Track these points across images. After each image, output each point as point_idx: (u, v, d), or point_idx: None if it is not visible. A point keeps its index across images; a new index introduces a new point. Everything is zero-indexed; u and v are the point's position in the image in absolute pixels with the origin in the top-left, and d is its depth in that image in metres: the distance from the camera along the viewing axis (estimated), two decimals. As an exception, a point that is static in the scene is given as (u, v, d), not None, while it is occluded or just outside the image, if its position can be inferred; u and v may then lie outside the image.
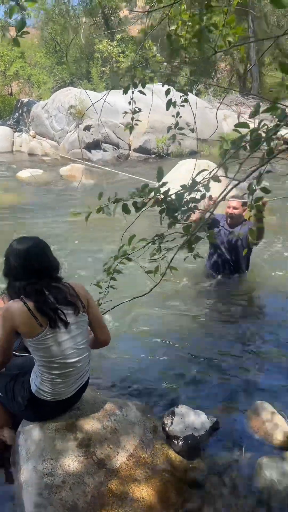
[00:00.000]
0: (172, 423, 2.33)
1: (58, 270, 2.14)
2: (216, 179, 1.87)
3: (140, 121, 2.78)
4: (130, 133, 3.05)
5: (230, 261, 4.05)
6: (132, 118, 2.87)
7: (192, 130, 2.85)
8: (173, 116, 2.76)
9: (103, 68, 18.97)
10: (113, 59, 18.73)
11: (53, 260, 2.12)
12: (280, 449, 2.28)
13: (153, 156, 13.28)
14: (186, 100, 2.68)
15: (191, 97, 2.80)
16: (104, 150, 13.22)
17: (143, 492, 1.97)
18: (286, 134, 2.77)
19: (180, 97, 2.69)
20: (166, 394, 2.71)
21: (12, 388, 2.18)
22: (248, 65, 17.98)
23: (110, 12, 20.54)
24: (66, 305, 2.05)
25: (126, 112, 2.81)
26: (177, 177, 6.99)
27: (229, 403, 2.63)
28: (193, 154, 11.62)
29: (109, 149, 13.28)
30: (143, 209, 1.96)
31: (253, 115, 1.91)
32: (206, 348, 3.32)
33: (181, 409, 2.39)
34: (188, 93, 2.83)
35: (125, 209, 1.95)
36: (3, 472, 2.22)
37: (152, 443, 2.22)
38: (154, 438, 2.26)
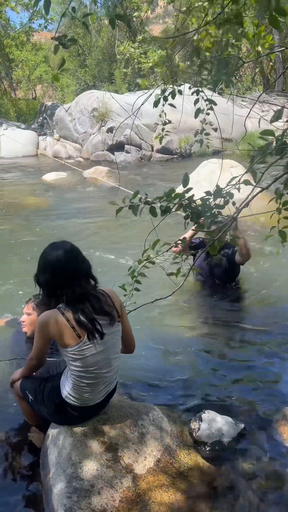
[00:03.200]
0: (199, 429, 2.31)
1: (90, 274, 2.12)
2: (247, 182, 1.87)
3: (170, 132, 2.88)
4: (160, 143, 3.16)
5: (218, 276, 4.20)
6: (163, 129, 2.96)
7: (216, 130, 2.87)
8: (203, 119, 2.80)
9: (125, 70, 19.02)
10: (135, 60, 18.73)
11: (87, 263, 2.10)
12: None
13: (175, 156, 13.24)
14: (211, 108, 2.71)
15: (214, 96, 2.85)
16: (127, 152, 13.27)
17: (171, 497, 1.97)
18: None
19: (205, 100, 2.71)
20: (192, 398, 2.70)
21: (42, 392, 2.20)
22: (271, 63, 17.69)
23: (132, 13, 20.55)
24: (103, 315, 2.04)
25: (156, 124, 2.95)
26: (199, 178, 6.95)
27: (257, 409, 2.59)
28: (216, 153, 11.50)
29: (132, 151, 13.32)
30: (167, 213, 1.99)
31: (275, 119, 1.90)
32: (230, 354, 3.29)
33: (208, 414, 2.37)
34: (212, 92, 2.85)
35: (153, 212, 1.99)
36: (31, 474, 2.26)
37: (179, 448, 2.22)
38: (181, 443, 2.26)
